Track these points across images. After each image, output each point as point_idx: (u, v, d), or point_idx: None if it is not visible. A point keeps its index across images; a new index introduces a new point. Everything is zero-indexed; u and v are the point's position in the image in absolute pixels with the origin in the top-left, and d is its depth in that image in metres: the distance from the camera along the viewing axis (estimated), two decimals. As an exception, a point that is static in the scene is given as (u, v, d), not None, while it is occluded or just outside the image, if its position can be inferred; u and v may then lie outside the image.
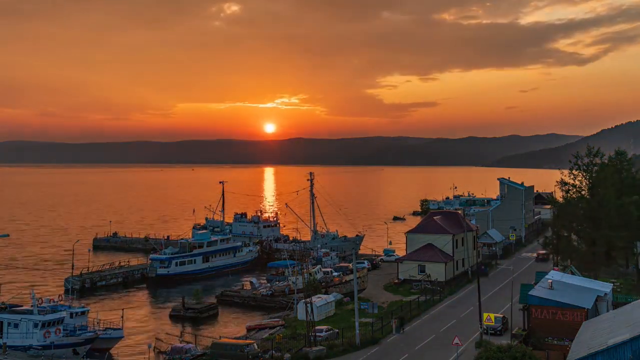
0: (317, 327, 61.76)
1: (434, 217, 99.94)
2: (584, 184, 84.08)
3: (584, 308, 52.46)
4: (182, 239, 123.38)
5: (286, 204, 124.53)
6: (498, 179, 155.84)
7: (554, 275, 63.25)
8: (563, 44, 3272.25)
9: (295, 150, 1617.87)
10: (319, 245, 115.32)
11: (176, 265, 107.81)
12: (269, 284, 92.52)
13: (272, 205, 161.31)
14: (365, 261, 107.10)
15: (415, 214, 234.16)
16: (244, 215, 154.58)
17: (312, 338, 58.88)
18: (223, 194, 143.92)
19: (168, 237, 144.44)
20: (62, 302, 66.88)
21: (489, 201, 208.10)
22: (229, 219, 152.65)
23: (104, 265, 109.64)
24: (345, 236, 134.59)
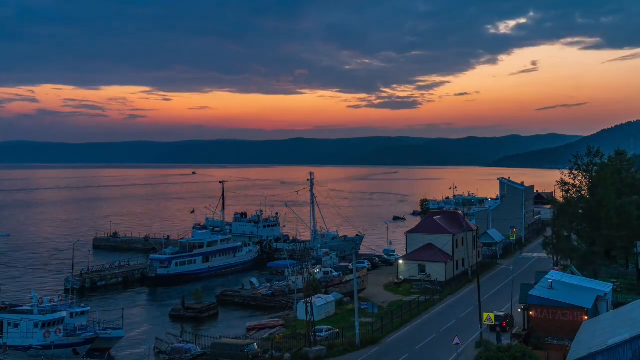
0: (317, 327, 61.78)
1: (434, 217, 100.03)
2: (584, 184, 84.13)
3: (584, 308, 52.47)
4: (182, 239, 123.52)
5: (286, 203, 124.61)
6: (498, 179, 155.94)
7: (554, 275, 63.26)
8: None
9: (294, 150, 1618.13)
10: (319, 245, 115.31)
11: (176, 265, 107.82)
12: (269, 284, 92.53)
13: (272, 206, 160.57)
14: (365, 261, 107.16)
15: (415, 214, 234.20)
16: (244, 215, 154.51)
17: (312, 338, 58.90)
18: (223, 194, 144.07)
19: (168, 237, 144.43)
20: (62, 302, 66.99)
21: (483, 200, 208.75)
22: (229, 218, 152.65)
23: (104, 265, 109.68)
24: (345, 236, 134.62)
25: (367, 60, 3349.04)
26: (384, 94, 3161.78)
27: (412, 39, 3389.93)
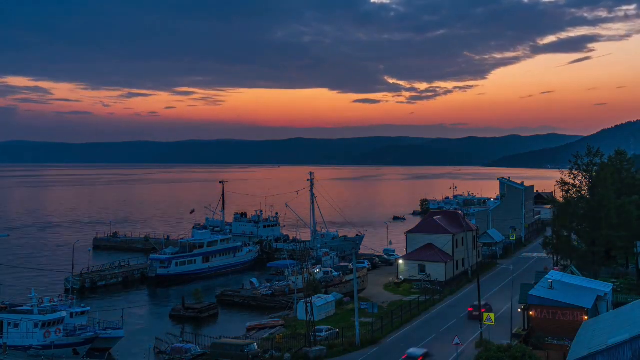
0: (317, 327, 61.78)
1: (434, 217, 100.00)
2: (584, 184, 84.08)
3: (584, 308, 52.48)
4: (182, 238, 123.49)
5: (286, 203, 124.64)
6: (498, 179, 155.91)
7: (554, 275, 63.27)
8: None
9: (293, 150, 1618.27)
10: (318, 245, 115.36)
11: (176, 265, 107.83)
12: (269, 284, 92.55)
13: (272, 205, 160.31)
14: (365, 261, 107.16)
15: (415, 214, 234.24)
16: (244, 215, 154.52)
17: (312, 338, 58.89)
18: (223, 194, 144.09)
19: (168, 237, 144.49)
20: (62, 302, 67.00)
21: (485, 201, 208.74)
22: (229, 218, 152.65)
23: (104, 265, 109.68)
24: (345, 236, 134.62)
25: (374, 51, 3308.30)
26: (387, 91, 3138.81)
27: (429, 18, 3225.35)
